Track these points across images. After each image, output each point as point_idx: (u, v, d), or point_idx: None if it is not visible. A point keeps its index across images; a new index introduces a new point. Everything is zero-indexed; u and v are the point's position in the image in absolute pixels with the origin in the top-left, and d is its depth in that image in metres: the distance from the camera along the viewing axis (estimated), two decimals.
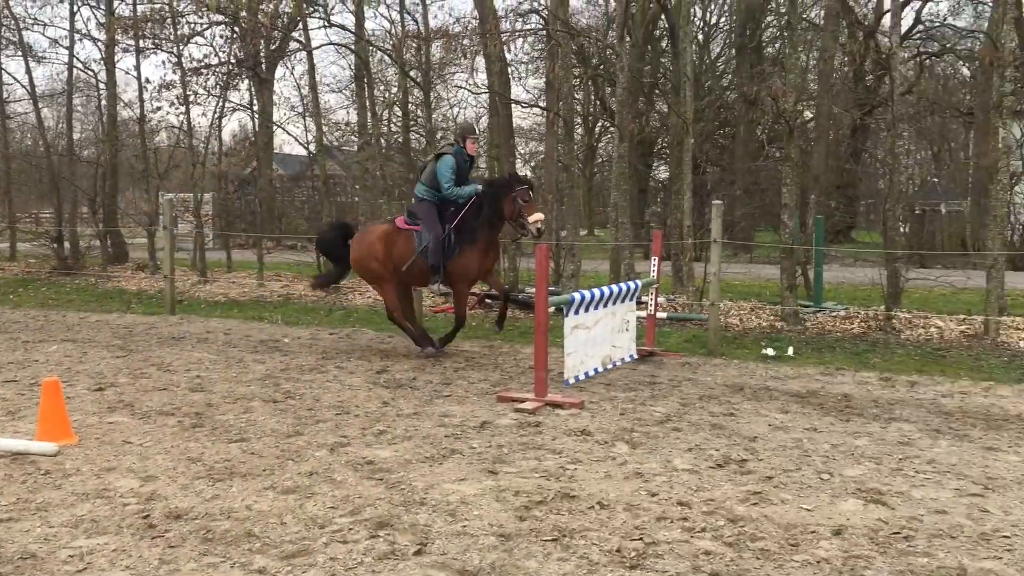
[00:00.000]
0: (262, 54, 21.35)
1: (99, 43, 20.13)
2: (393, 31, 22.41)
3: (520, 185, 9.01)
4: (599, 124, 33.09)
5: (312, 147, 19.32)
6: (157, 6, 18.56)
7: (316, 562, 3.92)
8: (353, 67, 21.24)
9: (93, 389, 7.59)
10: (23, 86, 22.21)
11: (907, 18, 25.85)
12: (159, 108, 19.32)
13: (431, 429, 6.23)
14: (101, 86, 20.95)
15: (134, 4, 19.25)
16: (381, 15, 51.53)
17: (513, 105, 17.37)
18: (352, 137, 26.65)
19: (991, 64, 11.15)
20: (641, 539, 4.17)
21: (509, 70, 17.28)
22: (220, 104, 18.71)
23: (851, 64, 25.10)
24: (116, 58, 20.13)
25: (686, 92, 13.25)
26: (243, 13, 16.57)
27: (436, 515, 4.49)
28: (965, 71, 26.67)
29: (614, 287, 8.41)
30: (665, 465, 5.36)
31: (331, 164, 24.44)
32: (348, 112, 31.06)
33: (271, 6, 16.40)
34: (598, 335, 8.04)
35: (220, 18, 17.63)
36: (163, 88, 18.22)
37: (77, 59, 21.07)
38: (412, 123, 24.81)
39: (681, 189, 13.18)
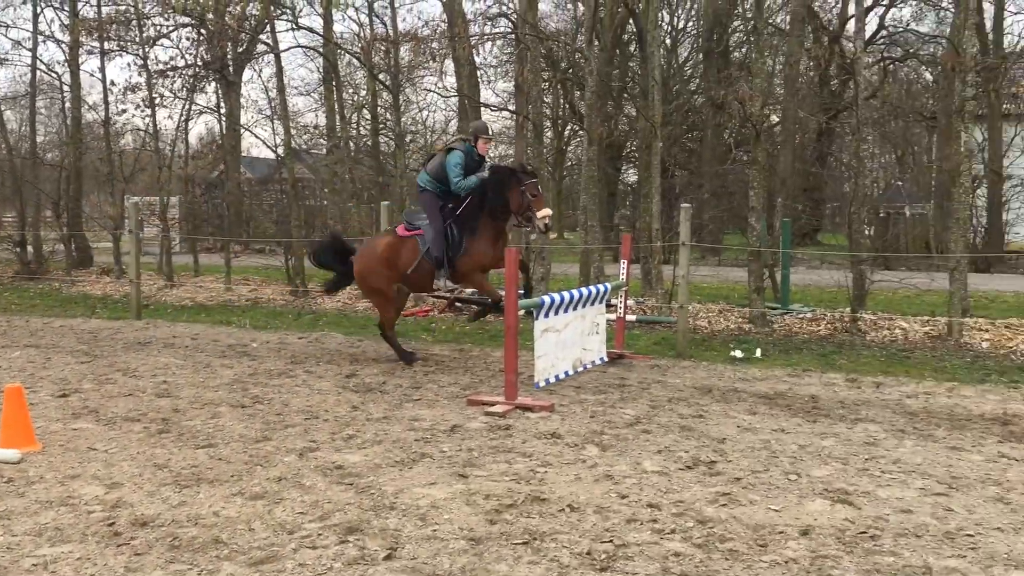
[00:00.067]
0: (229, 56, 21.21)
1: (63, 45, 19.91)
2: (362, 34, 22.41)
3: (529, 178, 8.66)
4: (568, 128, 33.19)
5: (280, 150, 19.21)
6: (122, 8, 18.38)
7: (285, 568, 3.90)
8: (321, 70, 21.18)
9: (57, 395, 7.49)
10: None
11: (871, 23, 26.20)
12: (124, 111, 19.08)
13: (401, 433, 6.21)
14: (65, 88, 20.71)
15: (98, 6, 19.06)
16: (349, 18, 51.33)
17: (482, 108, 17.40)
18: (321, 140, 26.56)
19: (953, 69, 11.33)
20: (611, 541, 4.18)
21: (478, 73, 17.33)
22: (187, 107, 18.57)
23: (816, 69, 25.36)
24: (80, 60, 19.95)
25: (654, 96, 13.33)
26: (209, 15, 16.45)
27: (406, 519, 4.47)
28: (928, 76, 27.04)
29: (584, 290, 8.43)
30: (635, 467, 5.38)
31: (300, 167, 24.28)
32: (317, 115, 30.96)
33: (238, 8, 16.30)
34: (568, 338, 8.05)
35: (186, 20, 17.50)
36: (128, 90, 18.06)
37: (40, 61, 20.83)
38: (381, 126, 24.79)
39: (650, 192, 13.25)
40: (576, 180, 24.74)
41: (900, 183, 25.51)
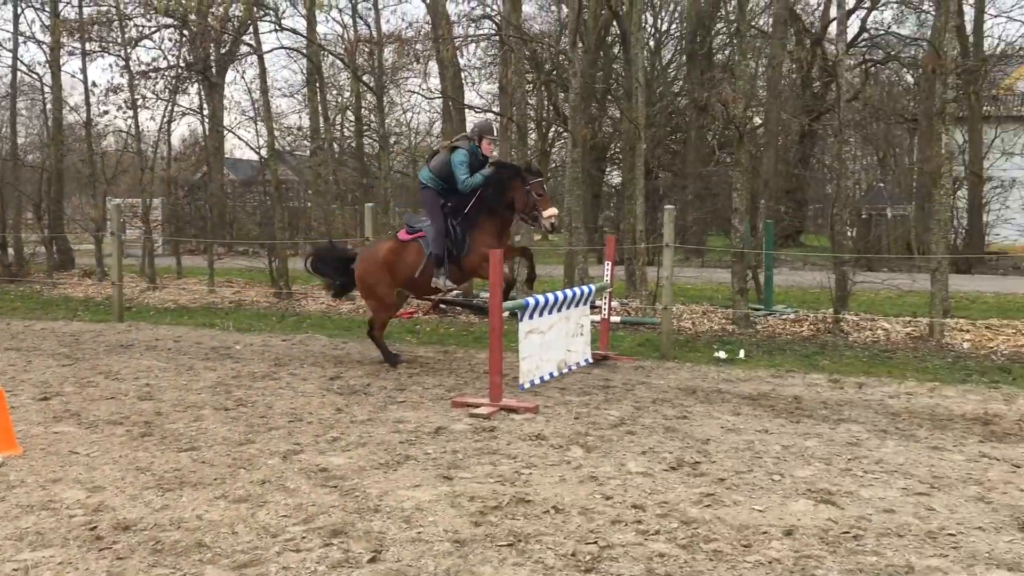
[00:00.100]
0: (212, 58, 21.11)
1: (44, 46, 19.75)
2: (345, 35, 22.36)
3: (534, 177, 8.59)
4: (552, 129, 33.21)
5: (264, 152, 19.12)
6: (103, 8, 18.25)
7: (268, 572, 3.88)
8: (305, 71, 21.11)
9: (38, 398, 7.43)
10: None
11: (853, 26, 26.32)
12: (106, 112, 18.97)
13: (385, 435, 6.20)
14: (46, 89, 20.54)
15: (80, 6, 18.90)
16: (333, 19, 51.21)
17: (466, 110, 17.40)
18: (304, 142, 26.49)
19: (934, 71, 11.41)
20: (596, 543, 4.19)
21: (463, 75, 17.31)
22: (169, 108, 18.47)
23: (799, 71, 25.54)
24: (61, 61, 19.77)
25: (638, 98, 13.36)
26: (192, 16, 16.36)
27: (390, 522, 4.46)
28: (909, 78, 27.24)
29: (568, 292, 8.44)
30: (619, 468, 5.39)
31: (283, 169, 24.23)
32: (300, 117, 30.90)
33: (221, 9, 16.22)
34: (553, 340, 8.06)
35: (169, 21, 17.40)
36: (110, 92, 17.96)
37: (21, 62, 20.68)
38: (365, 128, 24.73)
39: (634, 194, 13.28)
40: (560, 182, 24.76)
41: (882, 185, 25.65)
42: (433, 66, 16.83)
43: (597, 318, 9.73)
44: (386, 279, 8.99)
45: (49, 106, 20.40)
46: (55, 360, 9.41)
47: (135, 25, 17.81)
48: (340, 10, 25.69)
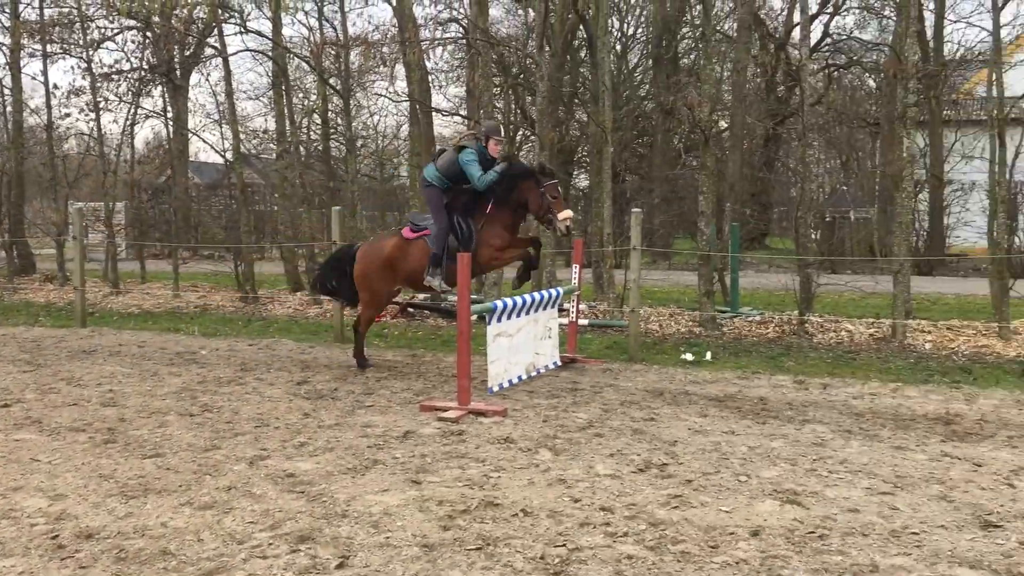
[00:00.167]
0: (176, 60, 20.91)
1: (3, 48, 19.43)
2: (311, 38, 22.24)
3: (549, 179, 8.50)
4: (520, 133, 33.26)
5: (229, 155, 18.97)
6: (65, 10, 18.01)
7: None
8: (271, 74, 20.95)
9: None
10: None
11: (816, 31, 26.66)
12: (68, 115, 18.68)
13: (353, 440, 6.17)
14: (6, 92, 20.18)
15: (41, 7, 18.64)
16: (299, 22, 50.97)
17: (434, 113, 17.38)
18: (270, 145, 26.26)
19: (895, 76, 11.58)
20: (564, 545, 4.19)
21: (430, 78, 17.29)
22: (132, 111, 18.23)
23: (763, 75, 25.75)
24: (22, 63, 19.46)
25: (605, 101, 13.42)
26: (156, 18, 16.20)
27: (358, 527, 4.44)
28: (871, 83, 27.60)
29: (536, 295, 8.46)
30: (587, 471, 5.40)
31: (249, 172, 24.01)
32: (266, 119, 30.67)
33: (185, 11, 16.07)
34: (521, 343, 8.07)
35: (131, 23, 17.20)
36: (72, 94, 17.69)
37: None
38: (332, 131, 24.61)
39: (601, 197, 13.33)
40: None
41: (845, 188, 25.97)
42: (400, 69, 16.81)
43: (565, 321, 9.76)
44: (387, 275, 8.91)
45: (9, 108, 20.06)
46: (15, 367, 9.25)
47: (97, 27, 17.61)
48: (306, 13, 25.59)
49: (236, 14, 17.47)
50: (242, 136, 21.56)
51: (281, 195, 18.22)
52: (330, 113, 23.30)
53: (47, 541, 4.28)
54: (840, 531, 4.39)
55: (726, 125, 20.04)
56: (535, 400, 7.53)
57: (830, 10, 26.79)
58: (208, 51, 20.84)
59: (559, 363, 8.98)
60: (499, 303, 7.78)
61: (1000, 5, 12.17)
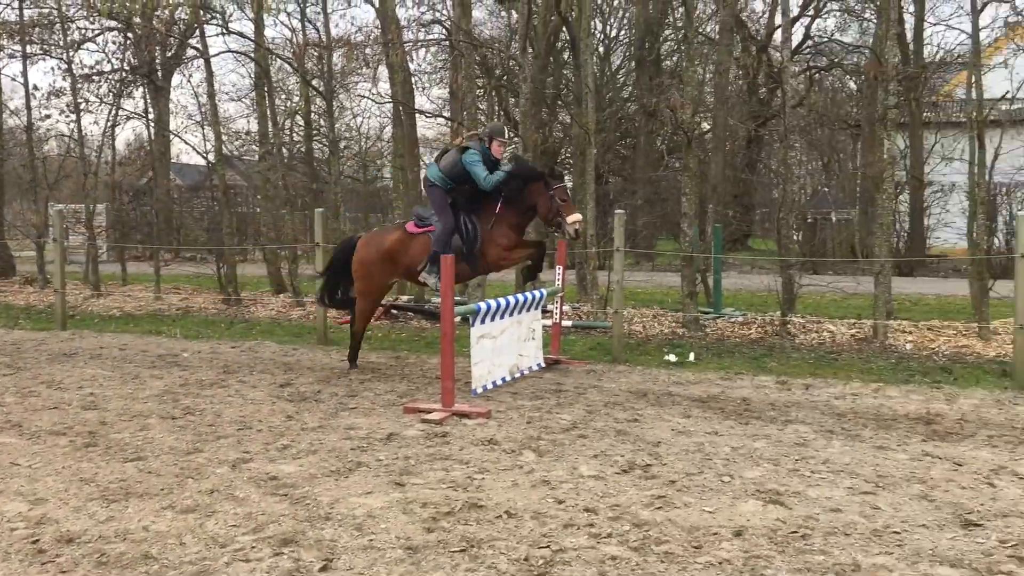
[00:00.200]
0: (157, 61, 20.80)
1: None
2: (294, 39, 22.14)
3: (557, 182, 8.46)
4: None
5: (211, 157, 18.88)
6: (45, 10, 17.88)
7: None
8: (253, 75, 20.87)
9: None
10: None
11: (797, 33, 26.82)
12: (48, 116, 18.59)
13: (336, 442, 6.15)
14: None
15: (20, 8, 18.51)
16: (281, 23, 50.75)
17: (417, 115, 17.34)
18: (253, 146, 26.19)
19: (876, 78, 11.67)
20: (548, 547, 4.19)
21: (413, 80, 17.24)
22: (113, 112, 18.13)
23: (745, 77, 25.89)
24: (1, 64, 19.35)
25: (588, 103, 13.45)
26: (137, 19, 16.11)
27: (342, 530, 4.43)
28: (852, 85, 27.81)
29: (520, 296, 8.46)
30: (571, 472, 5.41)
31: (231, 174, 23.93)
32: (248, 121, 30.56)
33: (166, 12, 15.98)
34: (505, 344, 8.07)
35: (112, 24, 17.11)
36: (52, 95, 17.59)
37: None
38: (315, 132, 24.56)
39: (584, 198, 13.35)
40: None
41: (826, 189, 26.16)
42: (383, 71, 16.75)
43: (549, 322, 9.77)
44: (387, 267, 8.87)
45: None
46: None
47: (78, 28, 17.52)
48: (288, 14, 25.45)
49: (218, 15, 17.42)
50: (224, 138, 21.47)
51: (264, 197, 18.17)
52: (313, 114, 23.23)
53: (27, 545, 4.24)
54: (822, 531, 4.41)
55: (708, 127, 20.13)
56: (519, 402, 7.53)
57: (811, 12, 26.97)
58: (190, 52, 20.74)
59: (543, 364, 8.99)
60: (482, 305, 7.78)
61: (979, 8, 12.29)
